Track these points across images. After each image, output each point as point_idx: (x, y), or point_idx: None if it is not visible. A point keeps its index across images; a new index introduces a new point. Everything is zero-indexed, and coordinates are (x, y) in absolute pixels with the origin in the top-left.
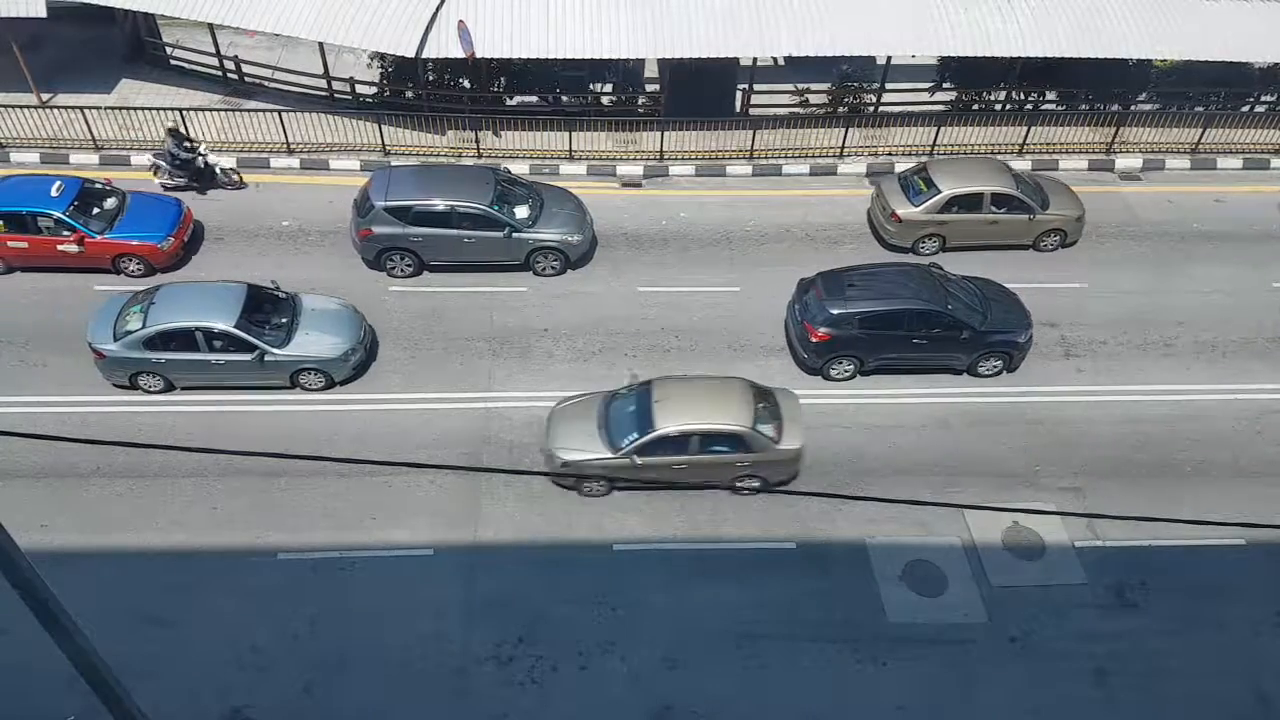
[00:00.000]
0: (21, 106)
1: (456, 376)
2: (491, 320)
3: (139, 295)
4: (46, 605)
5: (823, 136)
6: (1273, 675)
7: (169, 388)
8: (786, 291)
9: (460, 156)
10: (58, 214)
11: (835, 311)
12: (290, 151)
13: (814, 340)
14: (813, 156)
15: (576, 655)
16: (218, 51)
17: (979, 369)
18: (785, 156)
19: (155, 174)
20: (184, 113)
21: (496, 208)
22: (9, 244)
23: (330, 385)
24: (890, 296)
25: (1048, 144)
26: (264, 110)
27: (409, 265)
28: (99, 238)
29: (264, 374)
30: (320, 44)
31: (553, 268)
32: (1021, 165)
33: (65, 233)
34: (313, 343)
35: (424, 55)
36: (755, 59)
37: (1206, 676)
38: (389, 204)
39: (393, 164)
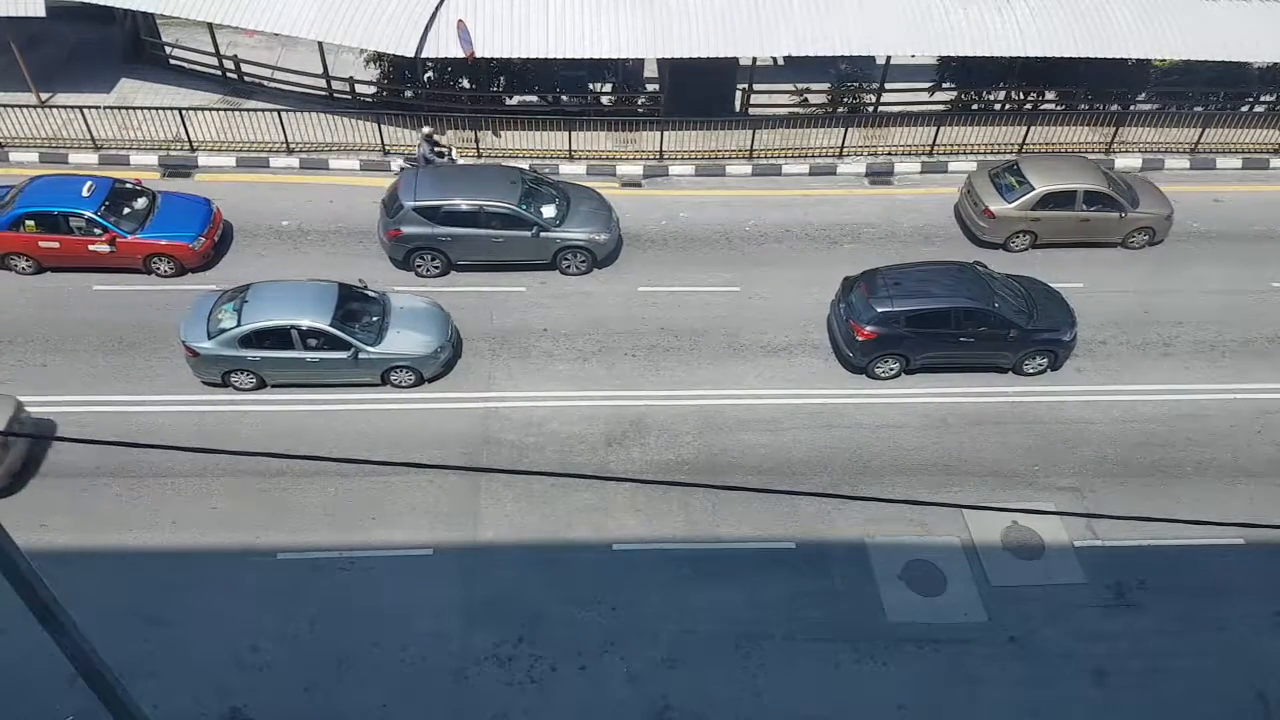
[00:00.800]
0: (21, 106)
1: (456, 376)
2: (491, 320)
3: (230, 293)
4: (46, 605)
5: (822, 136)
6: (1272, 675)
7: (260, 385)
8: (786, 291)
9: (460, 156)
10: (89, 214)
11: (882, 310)
12: (290, 151)
13: (860, 339)
14: (812, 156)
15: (576, 655)
16: (217, 51)
17: (1024, 368)
18: (785, 156)
19: (402, 175)
20: (183, 112)
21: (524, 207)
22: (40, 244)
23: (420, 382)
24: (937, 295)
25: (1047, 144)
26: (263, 110)
27: (437, 265)
28: (130, 238)
29: (357, 372)
30: (320, 44)
31: (580, 266)
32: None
33: (97, 232)
34: (404, 340)
35: (424, 55)
36: (755, 59)
37: (1206, 676)
38: (418, 204)
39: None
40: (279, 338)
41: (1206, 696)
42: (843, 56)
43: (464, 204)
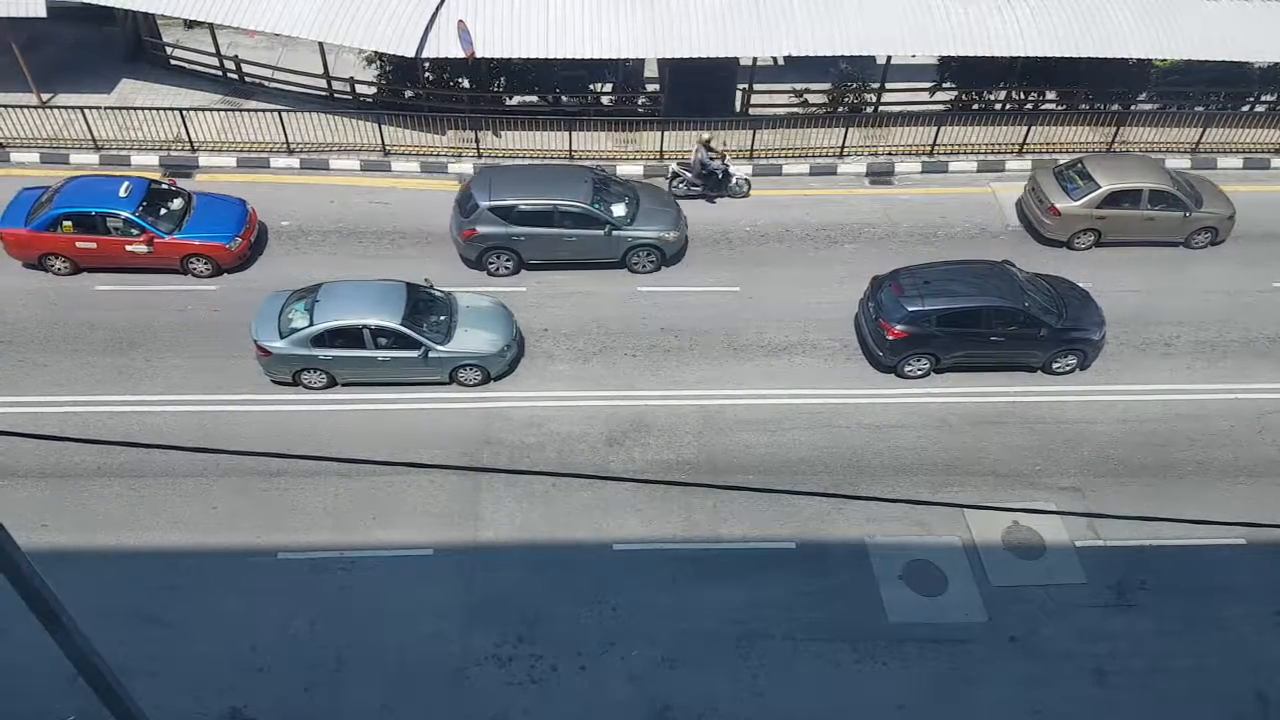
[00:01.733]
0: (21, 106)
1: None
2: None
3: (299, 293)
4: (47, 604)
5: (822, 136)
6: (1273, 675)
7: (330, 384)
8: (786, 291)
9: (460, 156)
10: (126, 214)
11: (912, 309)
12: (290, 151)
13: (890, 338)
14: (812, 156)
15: (576, 655)
16: (218, 51)
17: (1053, 367)
18: (785, 156)
19: (673, 180)
20: (184, 112)
21: (596, 206)
22: (77, 244)
23: (486, 381)
24: (968, 293)
25: (1048, 143)
26: (264, 110)
27: (509, 264)
28: (168, 238)
29: (426, 371)
30: (320, 44)
31: (648, 264)
32: (1022, 164)
33: (134, 233)
34: (472, 339)
35: (424, 55)
36: (755, 59)
37: (1207, 676)
38: (493, 203)
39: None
40: (350, 337)
41: (1207, 696)
42: (843, 56)
43: (538, 203)
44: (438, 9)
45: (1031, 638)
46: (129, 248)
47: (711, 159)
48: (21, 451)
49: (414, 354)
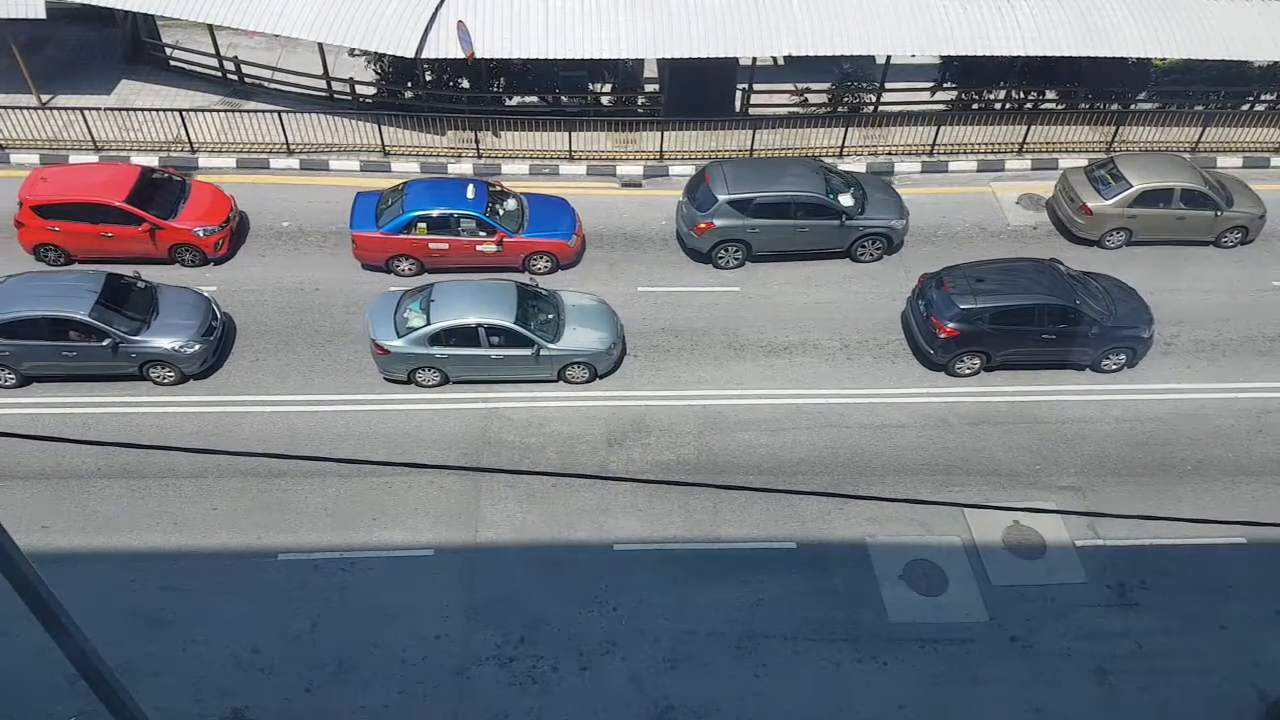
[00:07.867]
0: (21, 107)
1: None
2: None
3: (412, 293)
4: (47, 606)
5: (822, 136)
6: (1273, 674)
7: (444, 382)
8: (786, 291)
9: (460, 157)
10: (478, 215)
11: (965, 306)
12: (290, 152)
13: (942, 336)
14: (813, 156)
15: (577, 655)
16: (217, 52)
17: (1103, 365)
18: (786, 156)
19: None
20: (184, 113)
21: (831, 196)
22: (430, 246)
23: (593, 379)
24: (1021, 291)
25: (1048, 143)
26: (263, 111)
27: (739, 256)
28: (515, 237)
29: (536, 369)
30: (320, 44)
31: (874, 253)
32: (1021, 163)
33: (483, 234)
34: (581, 337)
35: (424, 55)
36: (755, 59)
37: (1208, 676)
38: (732, 196)
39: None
40: (465, 336)
41: (1207, 695)
42: (843, 56)
43: (777, 195)
44: (437, 9)
45: (1032, 637)
46: (480, 248)
47: None
48: (22, 453)
49: (526, 352)
